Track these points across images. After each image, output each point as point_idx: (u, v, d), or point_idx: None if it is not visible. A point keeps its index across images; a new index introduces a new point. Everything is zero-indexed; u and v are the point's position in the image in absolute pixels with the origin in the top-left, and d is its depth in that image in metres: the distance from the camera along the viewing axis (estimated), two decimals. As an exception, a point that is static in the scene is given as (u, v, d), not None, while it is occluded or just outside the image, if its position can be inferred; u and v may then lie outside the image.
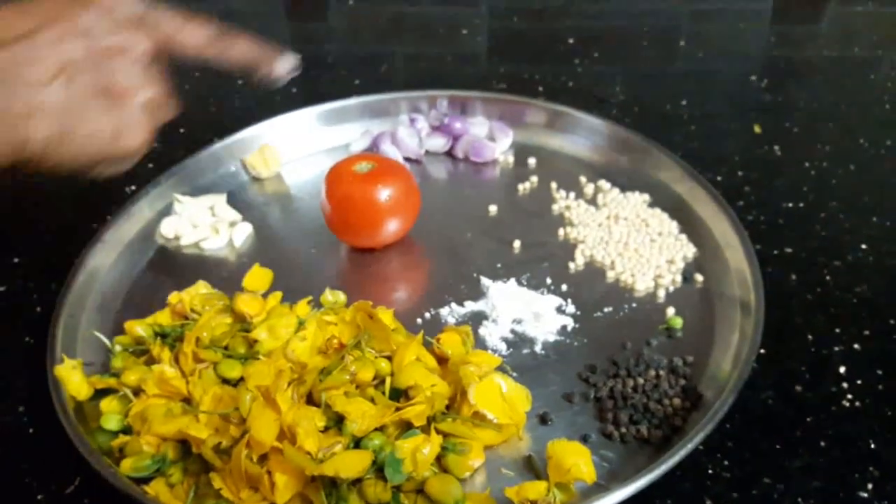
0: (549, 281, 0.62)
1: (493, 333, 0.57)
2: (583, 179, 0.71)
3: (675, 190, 0.68)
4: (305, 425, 0.45)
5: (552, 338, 0.57)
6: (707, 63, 0.93)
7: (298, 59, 0.52)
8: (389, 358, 0.52)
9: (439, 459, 0.48)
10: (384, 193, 0.60)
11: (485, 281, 0.61)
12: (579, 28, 1.00)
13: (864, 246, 0.65)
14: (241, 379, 0.51)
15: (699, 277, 0.61)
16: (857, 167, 0.74)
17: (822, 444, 0.50)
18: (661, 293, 0.60)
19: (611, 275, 0.62)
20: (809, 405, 0.53)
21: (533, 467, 0.49)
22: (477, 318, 0.59)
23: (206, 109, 0.84)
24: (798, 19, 1.02)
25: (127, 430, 0.50)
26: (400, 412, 0.47)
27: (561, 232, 0.66)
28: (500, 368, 0.52)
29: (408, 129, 0.76)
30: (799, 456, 0.50)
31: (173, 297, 0.57)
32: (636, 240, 0.64)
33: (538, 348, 0.56)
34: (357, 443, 0.46)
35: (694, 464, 0.49)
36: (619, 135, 0.73)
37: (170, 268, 0.64)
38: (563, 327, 0.58)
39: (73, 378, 0.51)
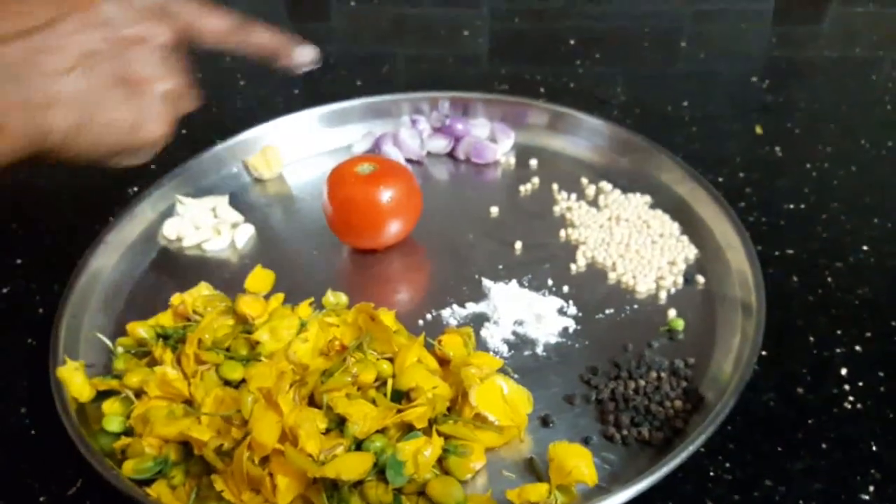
0: (550, 282, 0.62)
1: (495, 335, 0.57)
2: (584, 181, 0.71)
3: (677, 191, 0.68)
4: (307, 427, 0.45)
5: (553, 339, 0.57)
6: (708, 64, 0.93)
7: (317, 51, 0.53)
8: (391, 360, 0.52)
9: (441, 461, 0.48)
10: (386, 195, 0.60)
11: (486, 282, 0.62)
12: (580, 29, 1.00)
13: (865, 247, 0.65)
14: (243, 381, 0.51)
15: (700, 279, 0.61)
16: (858, 168, 0.74)
17: (824, 446, 0.50)
18: (663, 295, 0.60)
19: (612, 276, 0.62)
20: (811, 407, 0.53)
21: (534, 469, 0.49)
22: (478, 320, 0.59)
23: (208, 111, 0.83)
24: (799, 20, 1.02)
25: (129, 432, 0.50)
26: (401, 414, 0.47)
27: (562, 233, 0.66)
28: (502, 370, 0.52)
29: (409, 130, 0.76)
30: (800, 458, 0.50)
31: (175, 299, 0.57)
32: (637, 241, 0.64)
33: (539, 350, 0.56)
34: (358, 445, 0.46)
35: (695, 466, 0.49)
36: (620, 136, 0.73)
37: (172, 269, 0.64)
38: (565, 329, 0.58)
39: (75, 380, 0.51)
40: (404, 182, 0.62)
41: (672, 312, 0.59)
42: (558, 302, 0.60)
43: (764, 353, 0.54)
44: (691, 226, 0.66)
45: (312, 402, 0.48)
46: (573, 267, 0.63)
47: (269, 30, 0.51)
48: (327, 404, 0.47)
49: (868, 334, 0.58)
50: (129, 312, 0.59)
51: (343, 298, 0.59)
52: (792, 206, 0.70)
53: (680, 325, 0.57)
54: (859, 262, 0.64)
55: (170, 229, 0.67)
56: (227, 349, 0.53)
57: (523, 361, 0.56)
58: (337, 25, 1.04)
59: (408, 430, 0.48)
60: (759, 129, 0.80)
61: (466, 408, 0.49)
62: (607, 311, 0.59)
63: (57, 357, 0.53)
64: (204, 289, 0.58)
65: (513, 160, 0.75)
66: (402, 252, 0.65)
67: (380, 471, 0.45)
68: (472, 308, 0.60)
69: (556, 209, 0.69)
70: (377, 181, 0.60)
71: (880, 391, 0.54)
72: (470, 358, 0.52)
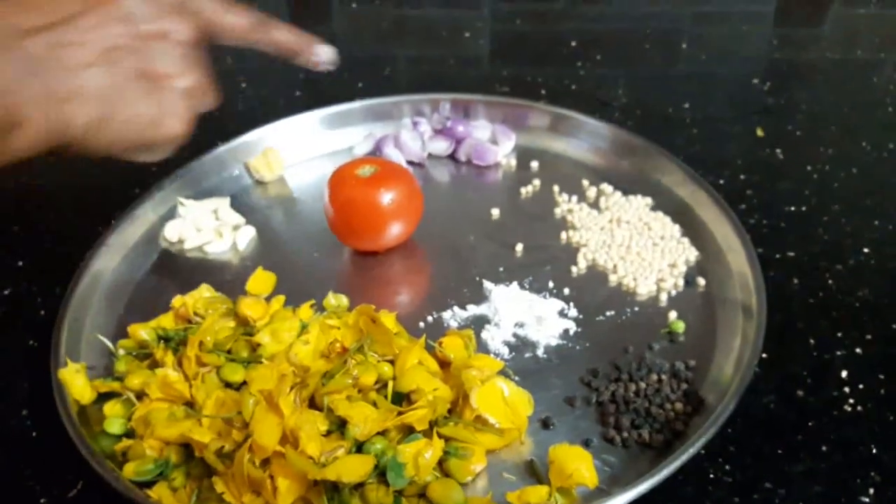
0: (551, 284, 0.62)
1: (496, 337, 0.57)
2: (585, 183, 0.71)
3: (678, 193, 0.68)
4: (308, 429, 0.45)
5: (554, 342, 0.57)
6: (709, 66, 0.93)
7: (336, 52, 0.53)
8: (392, 362, 0.52)
9: (441, 464, 0.48)
10: (387, 197, 0.60)
11: (487, 284, 0.62)
12: (582, 31, 1.00)
13: (866, 249, 0.65)
14: (244, 383, 0.51)
15: (701, 281, 0.61)
16: (859, 170, 0.74)
17: (824, 448, 0.50)
18: (664, 297, 0.60)
19: (613, 278, 0.62)
20: (811, 409, 0.53)
21: (535, 472, 0.49)
22: (479, 322, 0.59)
23: (210, 113, 0.84)
24: (800, 22, 1.02)
25: (130, 434, 0.50)
26: (402, 416, 0.47)
27: (563, 235, 0.66)
28: (503, 372, 0.52)
29: (411, 132, 0.76)
30: (801, 460, 0.50)
31: (177, 301, 0.57)
32: (638, 243, 0.64)
33: (540, 352, 0.56)
34: (359, 447, 0.46)
35: (696, 468, 0.49)
36: (621, 138, 0.73)
37: (173, 271, 0.65)
38: (566, 331, 0.58)
39: (76, 381, 0.51)
40: (405, 184, 0.62)
41: (673, 315, 0.59)
42: (559, 304, 0.60)
43: (764, 355, 0.55)
44: (692, 228, 0.66)
45: (313, 404, 0.49)
46: (574, 269, 0.63)
47: (289, 28, 0.51)
48: (328, 406, 0.47)
49: (868, 337, 0.58)
50: (131, 314, 0.59)
51: (344, 300, 0.59)
52: (793, 209, 0.70)
53: (680, 327, 0.57)
54: (860, 265, 0.64)
55: (171, 231, 0.67)
56: (229, 351, 0.53)
57: (524, 363, 0.56)
58: (338, 27, 1.04)
59: (408, 432, 0.48)
60: (760, 132, 0.80)
61: (467, 410, 0.49)
62: (608, 314, 0.59)
63: (58, 359, 0.53)
64: (205, 291, 0.59)
65: (514, 162, 0.75)
66: (403, 254, 0.65)
67: (380, 473, 0.45)
68: (472, 310, 0.60)
69: (557, 211, 0.69)
70: (378, 183, 0.60)
71: (880, 394, 0.54)
72: (471, 360, 0.52)
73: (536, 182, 0.72)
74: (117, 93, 0.43)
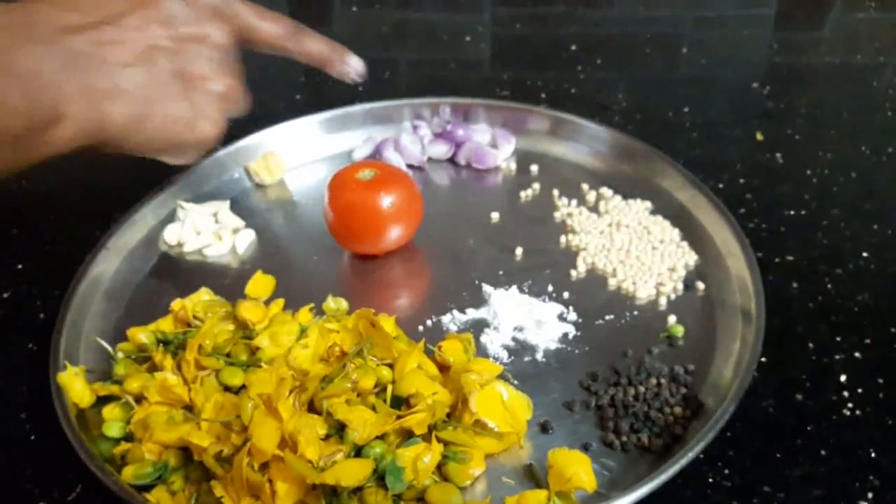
0: (550, 288, 0.62)
1: (495, 341, 0.57)
2: (585, 187, 0.71)
3: (677, 197, 0.68)
4: (307, 433, 0.45)
5: (553, 345, 0.57)
6: (709, 70, 0.93)
7: (364, 64, 0.53)
8: (391, 366, 0.52)
9: (440, 468, 0.48)
10: (387, 201, 0.60)
11: (486, 288, 0.62)
12: (582, 35, 1.00)
13: (865, 254, 0.65)
14: (243, 386, 0.51)
15: (700, 285, 0.61)
16: (858, 175, 0.74)
17: (823, 452, 0.50)
18: (663, 301, 0.60)
19: (612, 282, 0.62)
20: (810, 413, 0.53)
21: (534, 476, 0.49)
22: (478, 326, 0.59)
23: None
24: (800, 26, 1.02)
25: (129, 438, 0.50)
26: (401, 420, 0.47)
27: (563, 239, 0.66)
28: (502, 376, 0.52)
29: (410, 136, 0.76)
30: (799, 464, 0.50)
31: (176, 304, 0.57)
32: (638, 247, 0.64)
33: (539, 356, 0.56)
34: (358, 451, 0.46)
35: (695, 472, 0.49)
36: (621, 142, 0.73)
37: (173, 274, 0.65)
38: (565, 335, 0.58)
39: (75, 385, 0.51)
40: (405, 188, 0.62)
41: (672, 319, 0.59)
42: (558, 308, 0.60)
43: (763, 359, 0.55)
44: (691, 232, 0.66)
45: (312, 408, 0.49)
46: (573, 273, 0.63)
47: (322, 37, 0.51)
48: (327, 410, 0.47)
49: (868, 341, 0.58)
50: (130, 318, 0.59)
51: (343, 304, 0.59)
52: (792, 213, 0.70)
53: (680, 331, 0.57)
54: (859, 269, 0.64)
55: (171, 234, 0.67)
56: (228, 355, 0.53)
57: (523, 367, 0.56)
58: (339, 30, 1.04)
59: (407, 436, 0.48)
60: (759, 136, 0.80)
61: (466, 414, 0.49)
62: (607, 317, 0.59)
63: (57, 362, 0.53)
64: (204, 294, 0.58)
65: (513, 166, 0.75)
66: (402, 258, 0.65)
67: (379, 477, 0.45)
68: (472, 314, 0.60)
69: (557, 215, 0.69)
70: (378, 187, 0.60)
71: (879, 398, 0.54)
72: (470, 364, 0.52)
73: (536, 186, 0.72)
74: (154, 92, 0.43)
